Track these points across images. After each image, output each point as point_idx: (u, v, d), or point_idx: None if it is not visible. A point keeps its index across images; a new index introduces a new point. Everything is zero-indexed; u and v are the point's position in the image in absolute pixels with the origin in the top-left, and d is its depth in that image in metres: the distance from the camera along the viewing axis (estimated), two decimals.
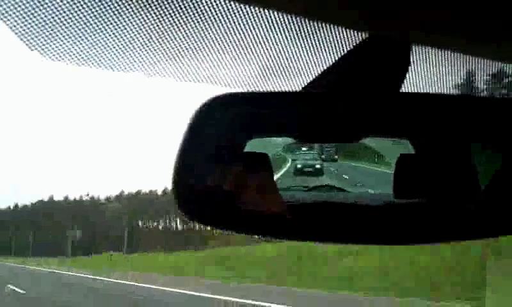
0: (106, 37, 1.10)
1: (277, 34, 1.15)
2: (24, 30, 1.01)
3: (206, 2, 1.03)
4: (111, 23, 1.06)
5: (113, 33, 1.10)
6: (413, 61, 1.22)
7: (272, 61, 1.28)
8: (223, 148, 1.33)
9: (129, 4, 1.02)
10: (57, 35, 1.05)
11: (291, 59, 1.28)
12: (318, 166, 2.65)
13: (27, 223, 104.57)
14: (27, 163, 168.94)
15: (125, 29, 1.09)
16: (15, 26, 0.99)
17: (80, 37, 1.08)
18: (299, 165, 2.62)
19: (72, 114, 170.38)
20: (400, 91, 1.21)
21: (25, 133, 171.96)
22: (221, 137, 1.33)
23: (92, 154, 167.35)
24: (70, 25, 1.04)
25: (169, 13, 1.04)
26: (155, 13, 1.04)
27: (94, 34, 1.08)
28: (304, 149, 2.67)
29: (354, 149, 2.41)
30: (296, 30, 1.13)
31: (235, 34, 1.13)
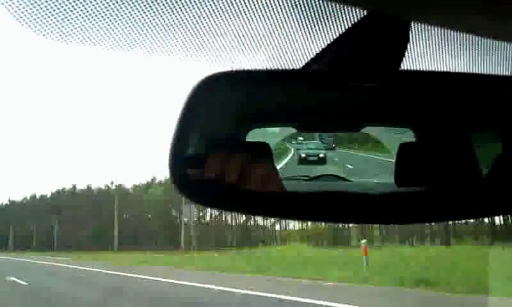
0: (106, 14, 1.09)
1: (275, 12, 1.13)
2: (24, 12, 1.01)
3: None
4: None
5: (117, 10, 1.08)
6: (413, 39, 1.20)
7: (270, 39, 1.25)
8: (221, 133, 1.35)
9: None
10: (54, 14, 1.04)
11: (288, 38, 1.26)
12: (321, 155, 2.72)
13: (49, 214, 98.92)
14: (43, 152, 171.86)
15: (130, 7, 1.07)
16: (13, 8, 0.99)
17: (80, 15, 1.07)
18: (303, 155, 2.70)
19: (92, 102, 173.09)
20: (400, 69, 1.20)
21: (38, 122, 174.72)
22: (219, 119, 1.34)
23: (117, 142, 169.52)
24: (71, 5, 1.03)
25: None
26: None
27: (94, 12, 1.07)
28: (305, 139, 2.74)
29: (353, 138, 2.47)
30: (292, 8, 1.11)
31: (230, 13, 1.11)
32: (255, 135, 1.62)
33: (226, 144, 1.26)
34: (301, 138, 2.51)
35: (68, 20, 1.09)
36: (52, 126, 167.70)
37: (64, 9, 1.05)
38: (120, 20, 1.12)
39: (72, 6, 1.05)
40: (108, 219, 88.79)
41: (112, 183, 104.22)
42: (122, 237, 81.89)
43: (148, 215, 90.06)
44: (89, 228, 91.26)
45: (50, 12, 1.05)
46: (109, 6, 1.06)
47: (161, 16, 1.11)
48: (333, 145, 2.70)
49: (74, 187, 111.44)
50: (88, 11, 1.07)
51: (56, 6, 1.03)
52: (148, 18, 1.12)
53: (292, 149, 2.48)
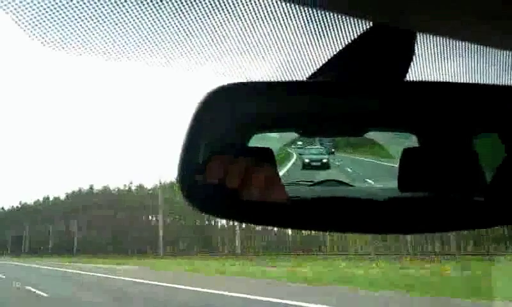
0: (111, 25, 1.10)
1: (280, 24, 1.14)
2: (25, 19, 1.01)
3: None
4: (117, 11, 1.06)
5: (126, 22, 1.10)
6: (418, 50, 1.21)
7: (275, 51, 1.26)
8: (227, 141, 1.35)
9: None
10: (57, 23, 1.06)
11: (294, 49, 1.26)
12: (325, 160, 2.76)
13: (64, 217, 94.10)
14: (54, 155, 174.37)
15: (135, 17, 1.09)
16: (15, 14, 0.99)
17: (81, 25, 1.08)
18: (306, 160, 2.74)
19: (101, 105, 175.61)
20: (405, 80, 1.22)
21: (47, 125, 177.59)
22: (225, 129, 1.36)
23: (134, 143, 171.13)
24: (72, 14, 1.05)
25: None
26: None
27: (98, 22, 1.09)
28: (308, 143, 2.77)
29: (353, 142, 2.49)
30: (298, 19, 1.11)
31: (237, 23, 1.12)
32: (256, 140, 1.66)
33: (229, 149, 1.30)
34: (299, 142, 2.54)
35: (74, 29, 1.11)
36: (61, 128, 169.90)
37: (71, 20, 1.07)
38: (120, 29, 1.14)
39: (78, 15, 1.06)
40: (131, 222, 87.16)
41: (131, 183, 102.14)
42: (144, 241, 78.12)
43: (176, 217, 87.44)
44: (108, 230, 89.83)
45: (54, 23, 1.07)
46: (110, 17, 1.08)
47: (166, 26, 1.14)
48: (333, 150, 2.75)
49: (91, 187, 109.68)
50: (90, 21, 1.09)
51: (60, 16, 1.05)
52: (145, 29, 1.14)
53: (295, 154, 2.53)
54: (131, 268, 37.19)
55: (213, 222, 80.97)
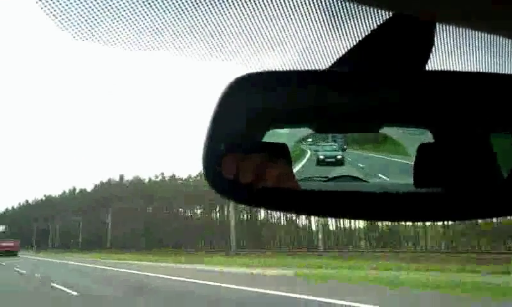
0: (136, 16, 1.15)
1: (299, 14, 1.16)
2: (54, 9, 1.06)
3: None
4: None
5: (149, 11, 1.14)
6: (438, 41, 1.22)
7: (294, 41, 1.29)
8: (243, 134, 1.42)
9: None
10: (85, 14, 1.10)
11: (313, 40, 1.29)
12: (339, 157, 2.82)
13: (92, 209, 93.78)
14: (80, 146, 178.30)
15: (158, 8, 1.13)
16: (45, 5, 1.03)
17: (109, 16, 1.13)
18: (321, 156, 2.80)
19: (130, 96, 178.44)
20: (424, 70, 1.24)
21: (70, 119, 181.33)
22: (243, 120, 1.41)
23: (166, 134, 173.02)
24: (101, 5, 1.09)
25: None
26: None
27: (127, 14, 1.13)
28: (321, 139, 2.82)
29: (366, 139, 2.53)
30: (318, 9, 1.13)
31: (256, 14, 1.15)
32: (271, 136, 1.70)
33: (245, 144, 1.36)
34: (313, 139, 2.59)
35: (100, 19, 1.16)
36: (87, 119, 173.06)
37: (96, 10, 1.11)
38: (128, 20, 1.19)
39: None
40: (165, 214, 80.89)
41: (162, 173, 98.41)
42: (184, 235, 74.46)
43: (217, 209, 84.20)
44: (140, 222, 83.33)
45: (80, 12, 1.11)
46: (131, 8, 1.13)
47: (182, 16, 1.18)
48: (345, 146, 2.79)
49: (121, 177, 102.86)
50: (111, 11, 1.13)
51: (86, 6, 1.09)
52: (168, 19, 1.18)
53: (309, 150, 2.59)
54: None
55: (273, 219, 77.69)
